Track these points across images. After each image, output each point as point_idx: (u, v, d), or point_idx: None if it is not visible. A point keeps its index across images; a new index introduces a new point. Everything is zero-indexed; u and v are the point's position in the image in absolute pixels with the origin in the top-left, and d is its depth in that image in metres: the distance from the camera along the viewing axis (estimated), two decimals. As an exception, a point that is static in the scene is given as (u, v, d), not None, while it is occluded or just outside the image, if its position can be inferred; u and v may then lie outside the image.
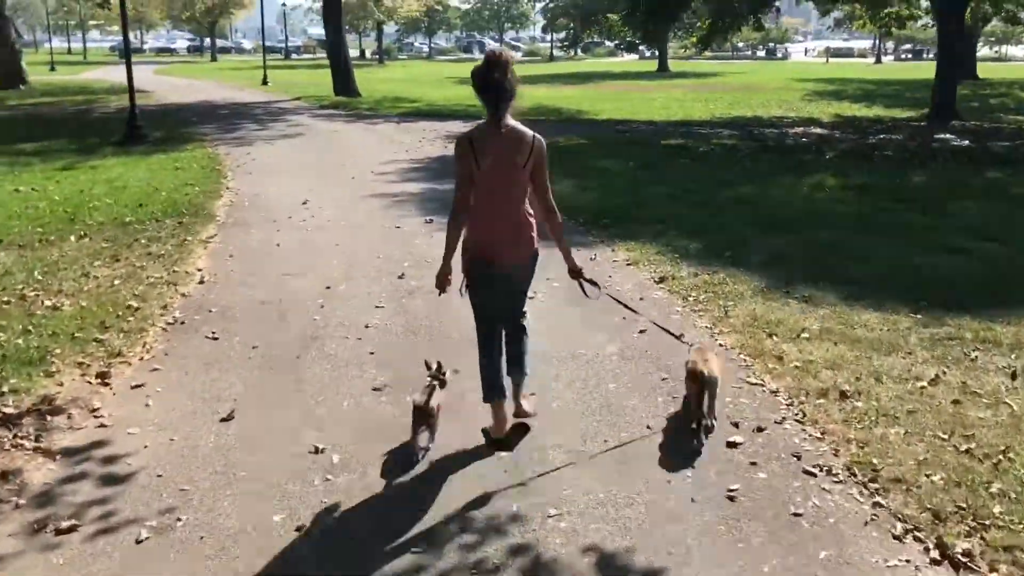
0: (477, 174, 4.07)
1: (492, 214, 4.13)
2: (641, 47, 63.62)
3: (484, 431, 4.40)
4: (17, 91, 31.12)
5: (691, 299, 6.75)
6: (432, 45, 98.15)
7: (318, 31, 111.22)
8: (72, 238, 8.45)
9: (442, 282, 4.22)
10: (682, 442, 4.31)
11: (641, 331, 5.81)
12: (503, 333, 4.39)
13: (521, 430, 4.42)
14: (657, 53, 54.60)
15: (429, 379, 4.30)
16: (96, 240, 8.40)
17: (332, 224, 9.42)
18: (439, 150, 15.57)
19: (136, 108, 16.75)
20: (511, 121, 4.19)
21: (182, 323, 6.12)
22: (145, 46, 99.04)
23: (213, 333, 5.88)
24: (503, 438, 4.31)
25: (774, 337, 5.78)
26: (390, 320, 6.19)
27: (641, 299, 6.66)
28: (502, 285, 4.27)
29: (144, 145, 15.89)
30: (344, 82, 28.58)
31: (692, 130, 19.34)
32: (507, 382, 4.38)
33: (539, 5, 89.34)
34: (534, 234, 4.24)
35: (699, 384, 4.30)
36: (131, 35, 75.82)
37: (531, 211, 4.23)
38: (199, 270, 7.44)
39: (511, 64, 4.14)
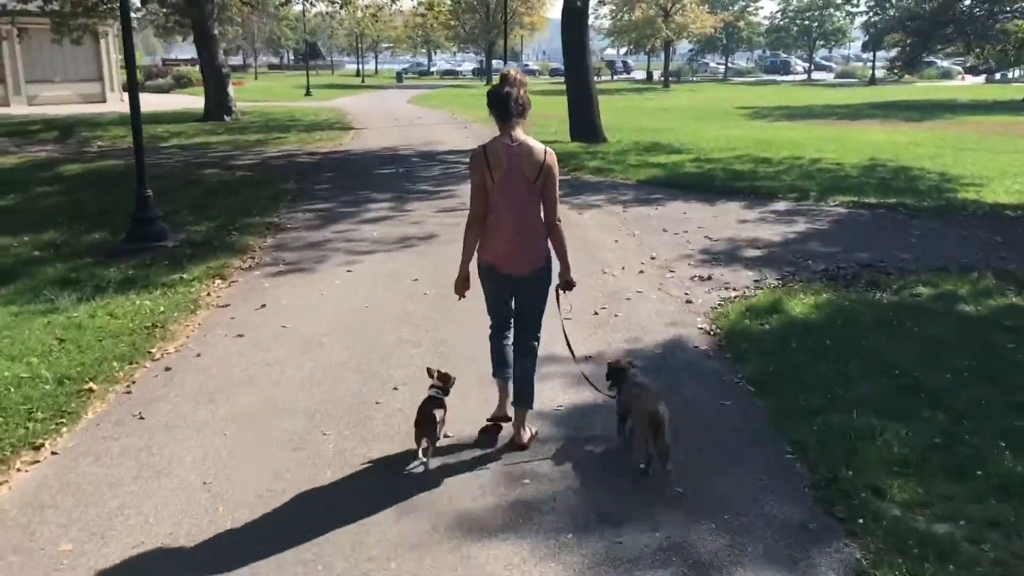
0: (491, 186, 4.28)
1: (504, 225, 4.34)
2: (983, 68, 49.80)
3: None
4: (217, 123, 26.31)
5: None
6: (729, 65, 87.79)
7: (611, 52, 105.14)
8: None
9: (460, 287, 4.52)
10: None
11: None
12: (513, 340, 4.67)
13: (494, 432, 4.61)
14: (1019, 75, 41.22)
15: (432, 388, 4.42)
16: None
17: None
18: (684, 323, 6.78)
19: (146, 192, 9.52)
20: (523, 136, 4.32)
21: None
22: (433, 68, 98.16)
23: None
24: (499, 417, 4.69)
25: None
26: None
27: None
28: (512, 292, 4.53)
29: (134, 260, 8.72)
30: (584, 123, 20.34)
31: None
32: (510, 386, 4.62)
33: (859, 19, 76.48)
34: (547, 246, 4.43)
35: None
36: (421, 57, 74.01)
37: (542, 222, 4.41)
38: None
39: (525, 84, 4.34)
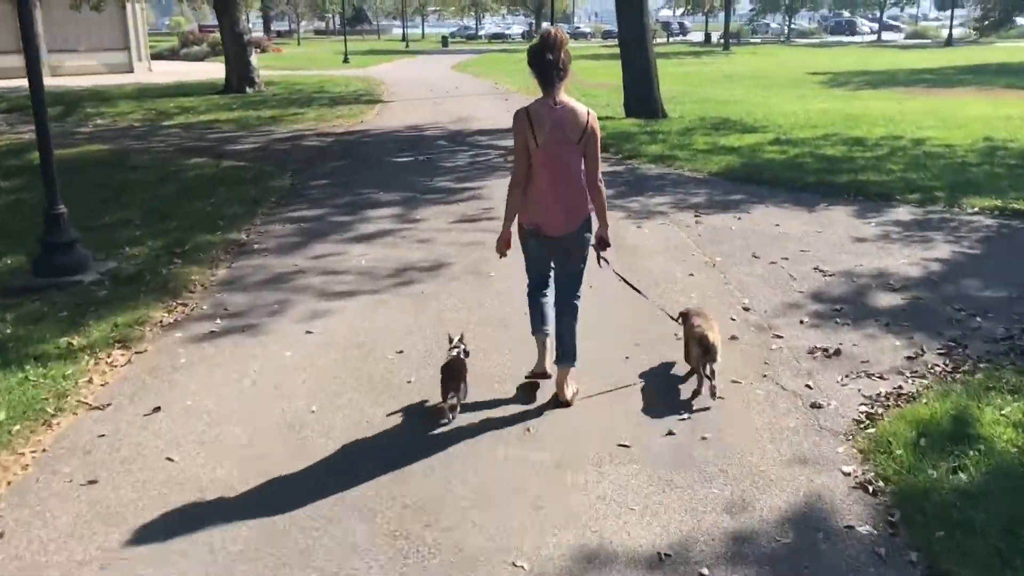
0: (534, 148, 4.27)
1: (547, 187, 4.33)
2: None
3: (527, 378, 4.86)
4: (237, 96, 24.07)
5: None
6: (792, 26, 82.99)
7: (666, 13, 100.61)
8: None
9: (501, 247, 4.56)
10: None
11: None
12: (555, 299, 4.64)
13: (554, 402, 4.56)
14: None
15: (453, 348, 4.53)
16: None
17: None
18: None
19: (58, 210, 7.12)
20: (565, 98, 4.29)
21: None
22: (481, 32, 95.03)
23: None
24: (538, 373, 4.80)
25: None
26: None
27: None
28: (553, 252, 4.56)
29: (29, 305, 6.36)
30: (642, 96, 17.53)
31: None
32: (550, 342, 4.73)
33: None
34: (588, 206, 4.43)
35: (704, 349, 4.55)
36: (468, 21, 71.57)
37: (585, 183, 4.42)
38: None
39: (566, 43, 4.28)
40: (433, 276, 7.03)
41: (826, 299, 6.36)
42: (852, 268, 7.12)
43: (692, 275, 6.97)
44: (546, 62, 4.22)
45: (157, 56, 48.59)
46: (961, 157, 12.50)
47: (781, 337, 5.59)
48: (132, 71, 36.80)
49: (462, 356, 4.52)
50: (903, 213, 9.12)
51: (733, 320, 5.90)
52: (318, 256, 7.70)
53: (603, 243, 4.59)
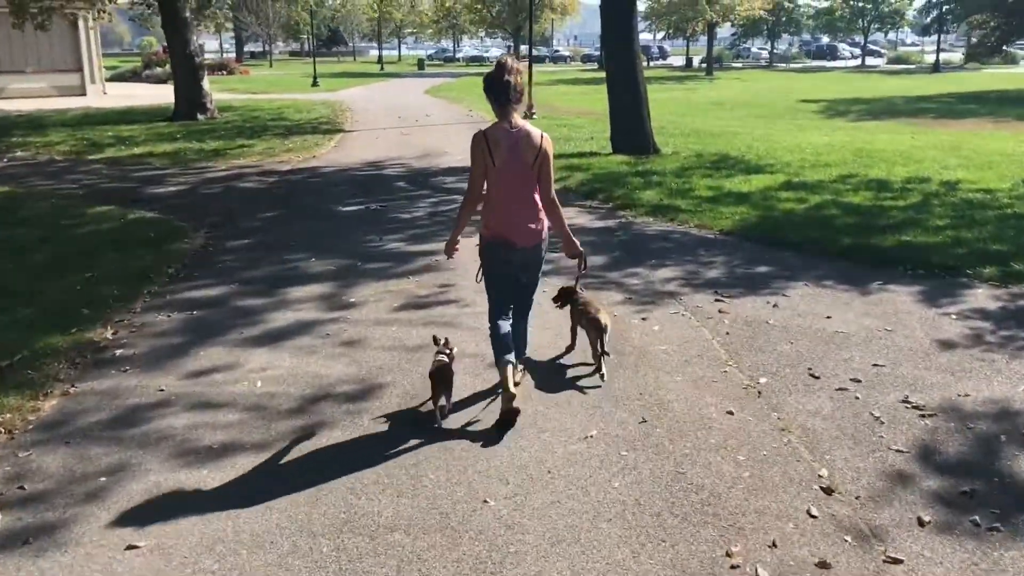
0: (491, 169, 4.46)
1: (505, 205, 4.54)
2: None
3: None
4: (185, 124, 21.87)
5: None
6: (773, 50, 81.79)
7: (646, 37, 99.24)
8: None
9: (449, 249, 4.74)
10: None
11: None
12: (511, 318, 4.79)
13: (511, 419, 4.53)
14: None
15: (439, 352, 4.67)
16: None
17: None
18: None
19: None
20: (520, 121, 4.49)
21: None
22: (458, 54, 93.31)
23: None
24: (508, 409, 4.55)
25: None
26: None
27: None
28: (512, 267, 4.67)
29: None
30: (631, 130, 15.48)
31: None
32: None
33: (918, 1, 70.27)
34: (543, 222, 4.64)
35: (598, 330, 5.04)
36: (446, 42, 70.41)
37: (540, 202, 4.61)
38: None
39: (521, 71, 4.48)
40: (355, 415, 4.81)
41: (941, 466, 4.21)
42: (956, 400, 4.97)
43: (731, 413, 4.81)
44: (504, 88, 4.36)
45: (120, 77, 46.37)
46: (1008, 207, 10.57)
47: (899, 562, 3.42)
48: (85, 94, 34.46)
49: (449, 359, 4.65)
50: (984, 297, 7.03)
51: (813, 516, 3.73)
52: (199, 372, 5.46)
53: (575, 255, 4.83)
